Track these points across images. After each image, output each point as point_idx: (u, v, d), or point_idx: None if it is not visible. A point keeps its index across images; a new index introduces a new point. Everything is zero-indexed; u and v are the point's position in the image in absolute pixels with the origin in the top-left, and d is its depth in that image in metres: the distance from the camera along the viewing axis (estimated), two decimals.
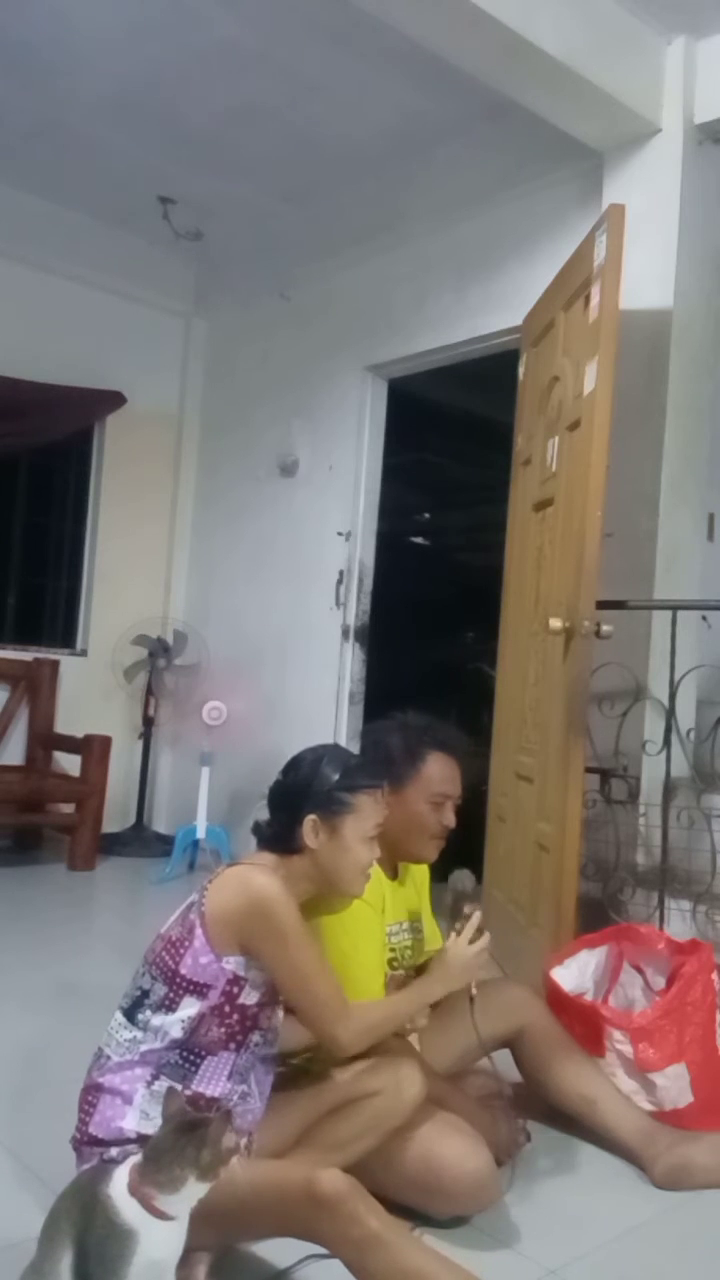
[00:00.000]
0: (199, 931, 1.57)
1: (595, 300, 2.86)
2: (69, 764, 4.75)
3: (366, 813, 1.70)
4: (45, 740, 4.86)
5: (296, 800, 1.68)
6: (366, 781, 1.72)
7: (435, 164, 4.14)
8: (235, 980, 1.57)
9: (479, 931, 1.85)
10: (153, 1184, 1.29)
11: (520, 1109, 2.02)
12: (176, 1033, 1.56)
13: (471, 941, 1.83)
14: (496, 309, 3.97)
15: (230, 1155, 1.31)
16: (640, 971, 2.38)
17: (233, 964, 1.57)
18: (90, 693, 5.06)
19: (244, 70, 3.68)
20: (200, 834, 4.54)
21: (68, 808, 4.57)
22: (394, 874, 2.07)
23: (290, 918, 1.57)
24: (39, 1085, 2.21)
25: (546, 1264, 1.67)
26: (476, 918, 1.85)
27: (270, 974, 1.58)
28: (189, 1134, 1.30)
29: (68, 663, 5.04)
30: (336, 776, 1.69)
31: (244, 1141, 1.64)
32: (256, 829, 1.75)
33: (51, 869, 4.51)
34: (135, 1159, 1.35)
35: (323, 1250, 1.44)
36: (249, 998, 1.58)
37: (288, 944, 1.56)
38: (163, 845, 4.84)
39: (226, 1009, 1.57)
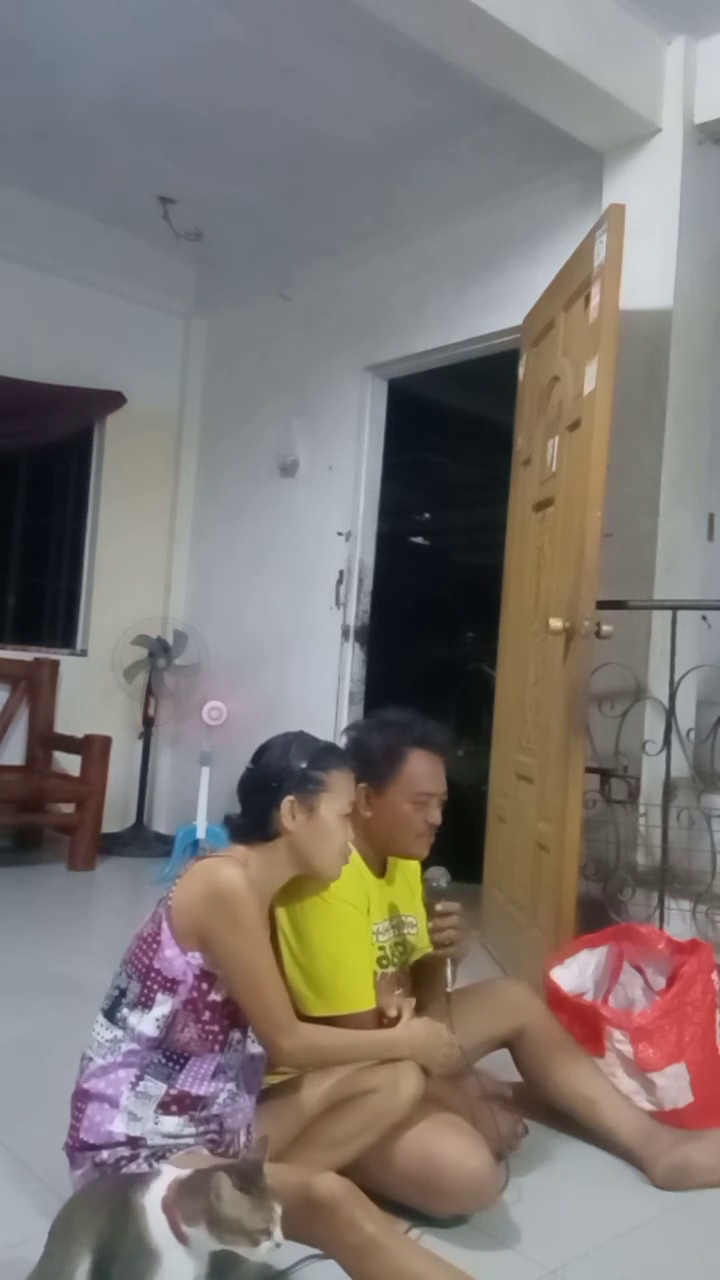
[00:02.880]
0: (165, 925, 1.58)
1: (595, 300, 2.86)
2: (69, 764, 4.75)
3: (340, 790, 1.72)
4: (45, 740, 4.85)
5: (272, 784, 1.69)
6: (337, 761, 1.75)
7: (435, 164, 4.14)
8: (204, 976, 1.57)
9: (459, 928, 1.89)
10: (180, 1207, 1.27)
11: (519, 1108, 2.02)
12: (152, 1031, 1.55)
13: (446, 928, 1.88)
14: (496, 309, 3.97)
15: (243, 1232, 1.25)
16: (640, 971, 2.38)
17: (198, 959, 1.57)
18: (90, 693, 5.06)
19: (244, 70, 3.68)
20: (200, 834, 4.53)
21: (68, 808, 4.57)
22: (381, 872, 2.06)
23: (248, 913, 1.56)
24: (39, 1085, 2.21)
25: (546, 1264, 1.67)
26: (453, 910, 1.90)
27: (221, 969, 1.56)
28: (240, 1181, 1.26)
29: (68, 663, 5.04)
30: (308, 758, 1.71)
31: (241, 1139, 1.64)
32: (228, 822, 1.76)
33: (51, 869, 4.51)
34: (180, 1174, 1.32)
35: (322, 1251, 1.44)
36: (218, 993, 1.57)
37: (242, 939, 1.55)
38: (163, 845, 4.84)
39: (199, 1006, 1.57)
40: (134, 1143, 1.52)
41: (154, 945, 1.58)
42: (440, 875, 1.96)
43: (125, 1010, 1.58)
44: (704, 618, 3.35)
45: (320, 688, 4.56)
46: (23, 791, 4.56)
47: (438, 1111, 1.76)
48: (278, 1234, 1.25)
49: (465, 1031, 1.87)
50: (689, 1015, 2.14)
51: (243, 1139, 1.64)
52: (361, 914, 1.93)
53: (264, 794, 1.70)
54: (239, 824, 1.74)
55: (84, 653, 5.18)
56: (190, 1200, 1.27)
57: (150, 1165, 1.47)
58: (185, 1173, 1.33)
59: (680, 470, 3.31)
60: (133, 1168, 1.48)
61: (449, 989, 1.87)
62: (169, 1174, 1.33)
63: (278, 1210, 1.25)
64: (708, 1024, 2.15)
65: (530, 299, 3.61)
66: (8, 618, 5.14)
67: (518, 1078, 2.15)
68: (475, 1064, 2.00)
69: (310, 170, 4.34)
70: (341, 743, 1.99)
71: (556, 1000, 2.27)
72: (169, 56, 3.65)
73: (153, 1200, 1.28)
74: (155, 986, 1.56)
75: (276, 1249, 1.25)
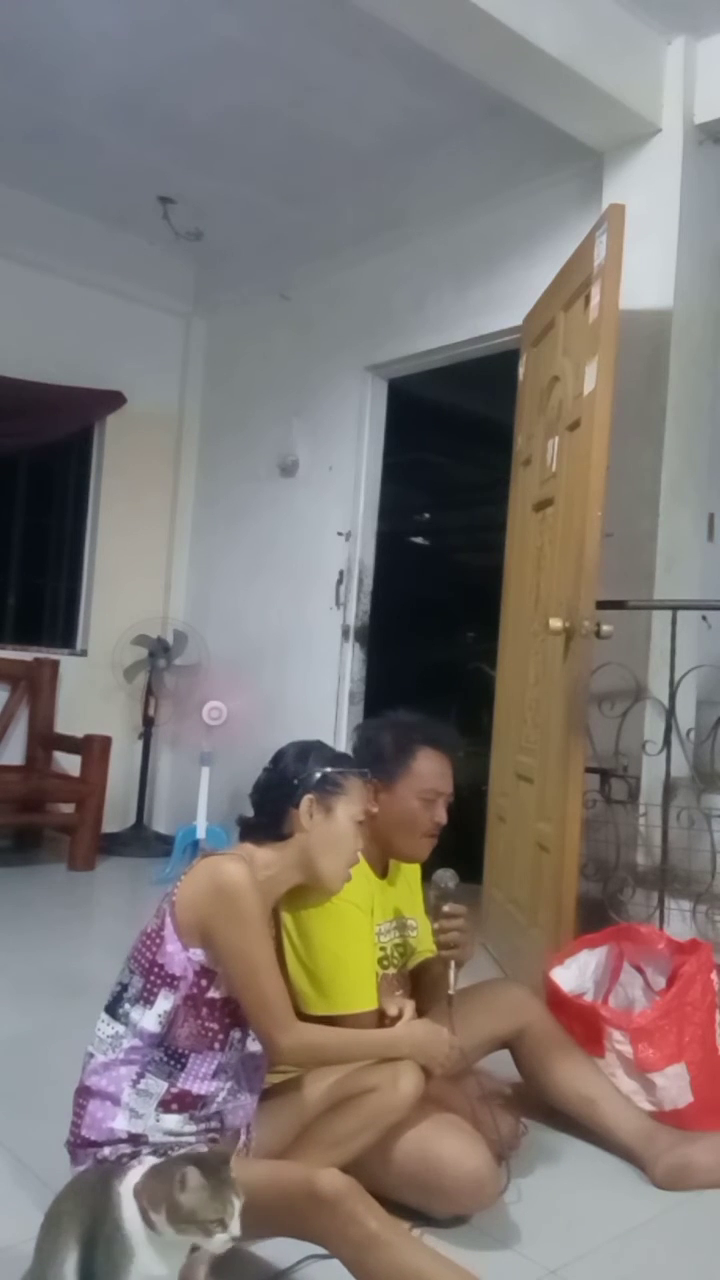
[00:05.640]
0: (168, 920, 1.59)
1: (595, 300, 2.86)
2: (69, 764, 4.75)
3: (356, 795, 1.75)
4: (45, 740, 4.85)
5: (291, 784, 1.71)
6: (354, 767, 1.79)
7: (435, 164, 4.15)
8: (203, 972, 1.57)
9: (463, 931, 1.88)
10: (148, 1193, 1.27)
11: (520, 1108, 2.02)
12: (154, 1027, 1.56)
13: (451, 930, 1.88)
14: (497, 309, 3.97)
15: (197, 1222, 1.25)
16: (640, 971, 2.38)
17: (198, 955, 1.57)
18: (90, 693, 5.06)
19: (244, 70, 3.68)
20: (200, 834, 4.53)
21: (68, 808, 4.57)
22: (383, 873, 2.08)
23: (250, 908, 1.57)
24: (38, 1085, 2.21)
25: (546, 1264, 1.67)
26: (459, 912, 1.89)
27: (221, 964, 1.56)
28: (204, 1171, 1.26)
29: (68, 663, 5.04)
30: (327, 762, 1.75)
31: (241, 1138, 1.64)
32: (241, 821, 1.77)
33: (51, 869, 4.51)
34: (154, 1161, 1.33)
35: (323, 1250, 1.44)
36: (217, 991, 1.58)
37: (242, 933, 1.56)
38: (163, 845, 4.84)
39: (198, 1002, 1.57)
40: (135, 1140, 1.52)
41: (157, 940, 1.59)
42: (449, 877, 1.96)
43: (127, 1005, 1.58)
44: (704, 618, 3.35)
45: (320, 688, 4.56)
46: (23, 791, 4.56)
47: (437, 1112, 1.76)
48: (234, 1227, 1.25)
49: (465, 1032, 1.87)
50: (689, 1015, 2.14)
51: (243, 1137, 1.64)
52: (365, 914, 1.94)
53: (283, 793, 1.72)
54: (252, 824, 1.75)
55: (84, 653, 5.18)
56: (157, 1186, 1.28)
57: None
58: (160, 1160, 1.33)
59: (680, 470, 3.31)
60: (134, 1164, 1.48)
61: (451, 991, 1.88)
62: (148, 1162, 1.34)
63: (236, 1204, 1.25)
64: (708, 1024, 2.14)
65: (530, 299, 3.61)
66: (8, 618, 5.14)
67: (518, 1078, 2.15)
68: (475, 1064, 2.00)
69: (310, 170, 4.34)
70: (350, 740, 2.00)
71: (556, 1000, 2.26)
72: (169, 57, 3.65)
73: (128, 1186, 1.29)
74: (158, 982, 1.57)
75: (231, 1243, 1.25)
